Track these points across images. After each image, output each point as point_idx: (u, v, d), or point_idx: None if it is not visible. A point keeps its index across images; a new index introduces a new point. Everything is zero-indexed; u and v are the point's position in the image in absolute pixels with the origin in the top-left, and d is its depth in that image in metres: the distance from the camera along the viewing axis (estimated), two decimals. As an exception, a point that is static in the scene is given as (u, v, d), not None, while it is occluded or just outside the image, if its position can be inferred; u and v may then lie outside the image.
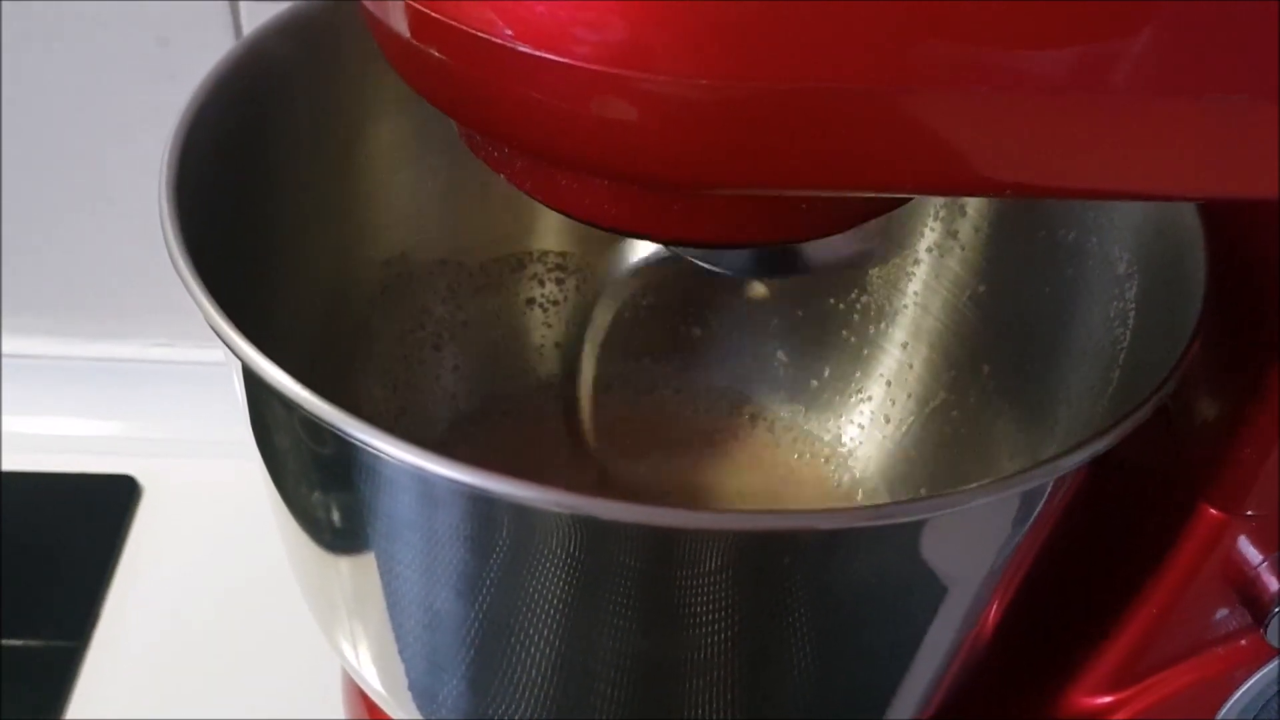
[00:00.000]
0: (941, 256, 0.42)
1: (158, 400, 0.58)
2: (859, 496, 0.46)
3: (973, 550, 0.29)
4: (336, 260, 0.41)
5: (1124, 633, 0.34)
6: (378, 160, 0.41)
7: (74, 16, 0.48)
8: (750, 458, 0.47)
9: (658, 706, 0.30)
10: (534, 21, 0.19)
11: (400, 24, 0.22)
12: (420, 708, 0.33)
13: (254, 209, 0.36)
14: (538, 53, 0.19)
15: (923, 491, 0.44)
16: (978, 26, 0.19)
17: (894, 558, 0.27)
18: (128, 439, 0.57)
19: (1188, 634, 0.34)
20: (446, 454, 0.23)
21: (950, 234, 0.42)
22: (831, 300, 0.46)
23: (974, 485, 0.25)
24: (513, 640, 0.28)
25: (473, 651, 0.29)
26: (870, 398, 0.46)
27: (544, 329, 0.48)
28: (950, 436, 0.43)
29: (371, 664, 0.33)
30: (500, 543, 0.26)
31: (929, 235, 0.42)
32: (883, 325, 0.45)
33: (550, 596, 0.27)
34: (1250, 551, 0.32)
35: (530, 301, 0.47)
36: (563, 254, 0.46)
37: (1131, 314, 0.34)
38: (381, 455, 0.24)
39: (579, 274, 0.47)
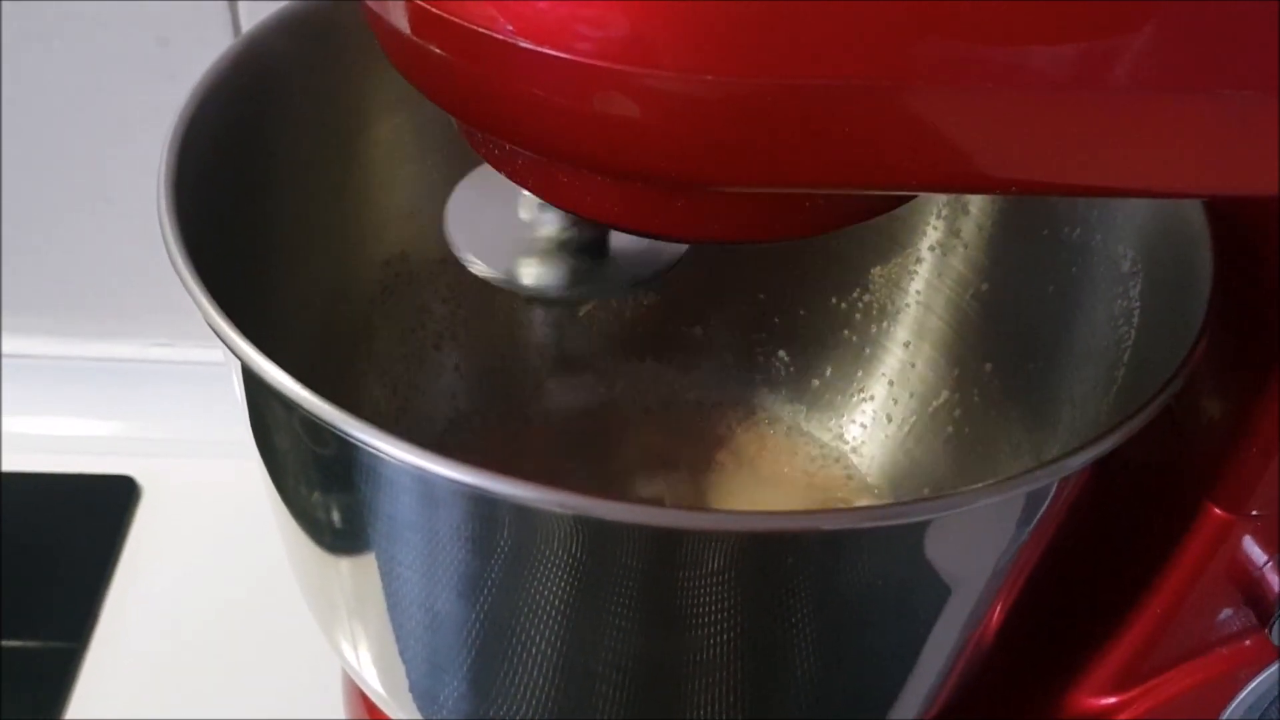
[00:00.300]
0: (944, 255, 0.42)
1: (157, 400, 0.58)
2: (861, 496, 0.46)
3: (977, 550, 0.28)
4: (336, 259, 0.41)
5: (1128, 633, 0.34)
6: (378, 158, 0.41)
7: (74, 16, 0.48)
8: (752, 458, 0.47)
9: (660, 708, 0.30)
10: (535, 17, 0.19)
11: (401, 20, 0.21)
12: (421, 709, 0.32)
13: (253, 207, 0.36)
14: (539, 48, 0.19)
15: (926, 491, 0.44)
16: (981, 23, 0.19)
17: (898, 558, 0.27)
18: (127, 439, 0.57)
19: (1192, 634, 0.34)
20: (447, 454, 0.23)
21: (953, 232, 0.42)
22: (834, 299, 0.46)
23: (979, 485, 0.25)
24: (514, 641, 0.28)
25: (474, 652, 0.29)
26: (872, 397, 0.46)
27: (545, 328, 0.47)
28: (953, 436, 0.43)
29: (372, 665, 0.33)
30: (501, 543, 0.26)
31: (932, 233, 0.42)
32: (885, 324, 0.45)
33: (552, 597, 0.27)
34: (1255, 551, 0.32)
35: (531, 300, 0.47)
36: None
37: (1136, 312, 0.33)
38: (382, 455, 0.24)
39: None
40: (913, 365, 0.44)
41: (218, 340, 0.26)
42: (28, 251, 0.55)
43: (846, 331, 0.46)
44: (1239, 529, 0.32)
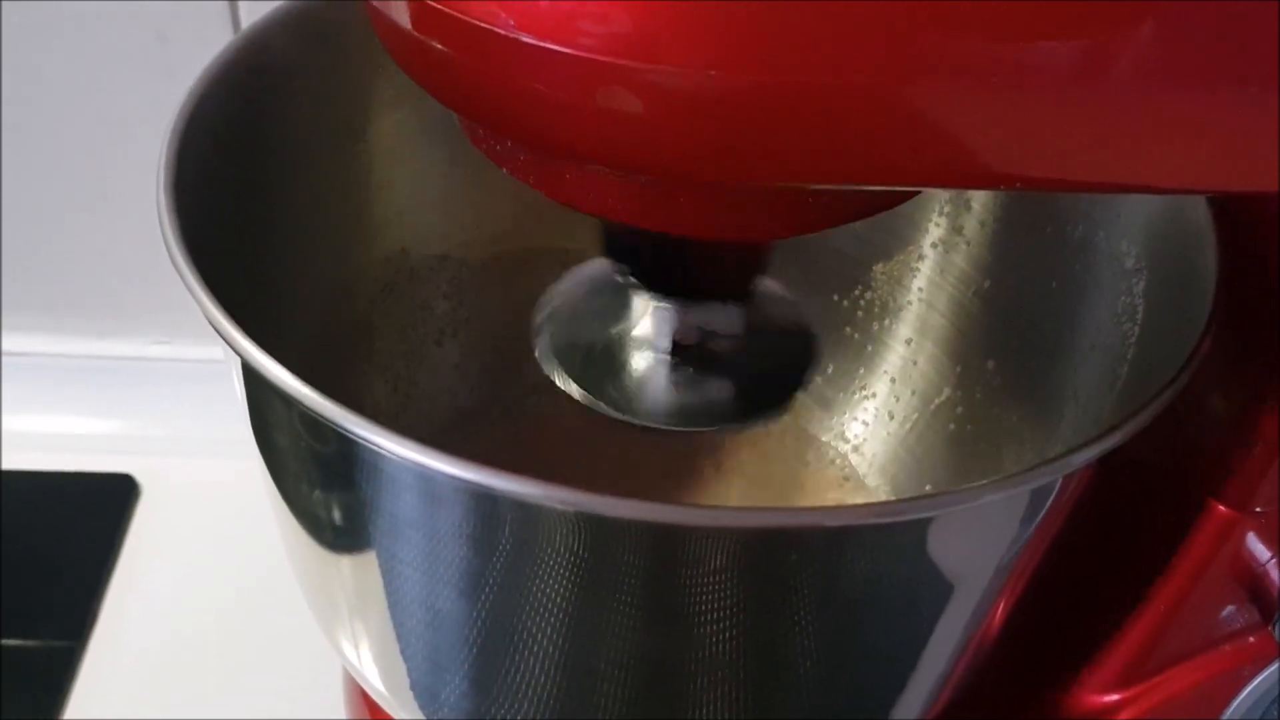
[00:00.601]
0: (947, 252, 0.42)
1: (157, 399, 0.58)
2: (863, 494, 0.46)
3: (980, 548, 0.28)
4: (337, 256, 0.41)
5: (1132, 630, 0.34)
6: (378, 155, 0.41)
7: (74, 13, 0.48)
8: (753, 455, 0.47)
9: (662, 706, 0.29)
10: (538, 12, 0.19)
11: (402, 16, 0.21)
12: (422, 707, 0.32)
13: (253, 205, 0.36)
14: (541, 44, 0.19)
15: (928, 489, 0.44)
16: (985, 20, 0.19)
17: (900, 556, 0.27)
18: (127, 437, 0.57)
19: (1195, 631, 0.34)
20: (448, 451, 0.23)
21: (956, 229, 0.42)
22: (835, 296, 0.45)
23: (982, 482, 0.25)
24: (515, 639, 0.28)
25: (475, 650, 0.29)
26: (874, 394, 0.46)
27: (546, 326, 0.47)
28: (956, 433, 0.43)
29: (373, 663, 0.33)
30: (503, 541, 0.26)
31: (934, 230, 0.42)
32: (887, 321, 0.45)
33: (553, 595, 0.27)
34: (1259, 549, 0.32)
35: (533, 297, 0.47)
36: (566, 249, 0.46)
37: (1140, 310, 0.33)
38: (383, 452, 0.24)
39: (582, 270, 0.46)
40: (915, 362, 0.44)
41: (218, 338, 0.26)
42: (28, 250, 0.55)
43: (848, 328, 0.46)
44: (1243, 526, 0.32)
